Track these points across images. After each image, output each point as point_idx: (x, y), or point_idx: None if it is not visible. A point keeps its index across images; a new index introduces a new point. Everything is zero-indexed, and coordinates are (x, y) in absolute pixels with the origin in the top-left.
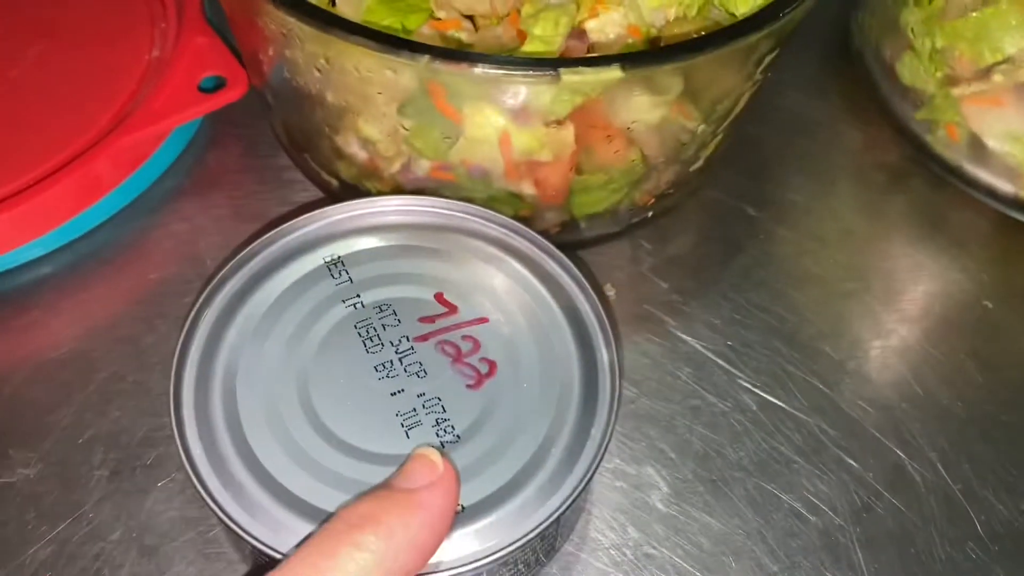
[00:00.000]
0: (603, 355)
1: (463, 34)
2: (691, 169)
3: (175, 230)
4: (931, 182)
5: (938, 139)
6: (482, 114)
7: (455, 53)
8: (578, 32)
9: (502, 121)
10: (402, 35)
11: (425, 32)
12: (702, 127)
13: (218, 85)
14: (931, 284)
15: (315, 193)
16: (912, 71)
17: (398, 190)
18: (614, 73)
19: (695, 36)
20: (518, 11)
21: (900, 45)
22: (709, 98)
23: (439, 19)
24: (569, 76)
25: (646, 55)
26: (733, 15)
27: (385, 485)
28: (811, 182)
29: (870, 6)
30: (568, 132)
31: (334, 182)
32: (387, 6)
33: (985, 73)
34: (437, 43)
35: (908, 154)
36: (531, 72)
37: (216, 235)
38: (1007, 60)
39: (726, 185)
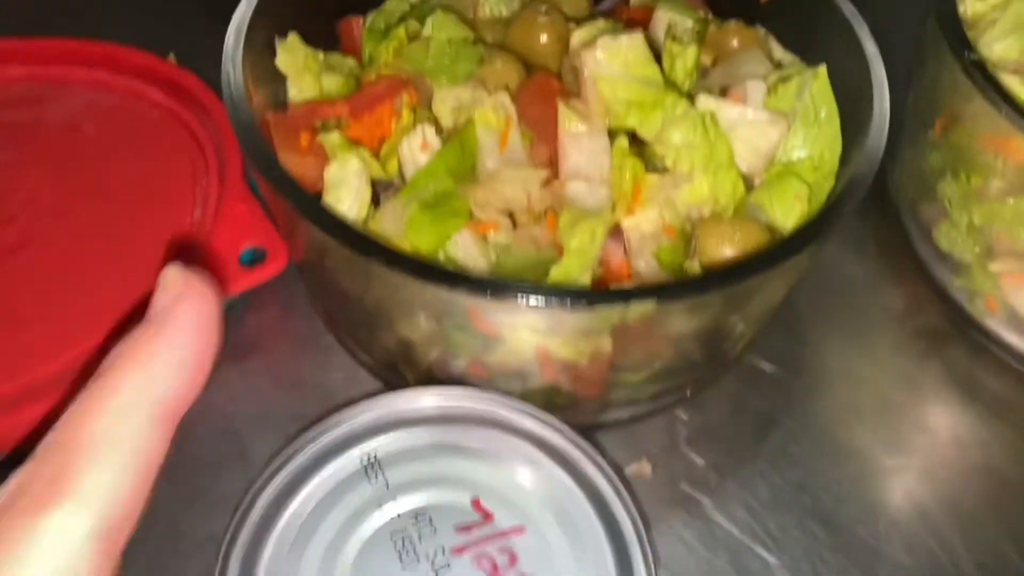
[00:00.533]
0: (641, 573)
1: (501, 235)
2: (730, 357)
3: (212, 400)
4: (970, 348)
5: (977, 308)
6: (520, 331)
7: (491, 285)
8: (614, 230)
9: (540, 336)
10: (444, 260)
11: (466, 236)
12: (741, 327)
13: (257, 257)
14: (969, 460)
15: (351, 361)
16: (949, 240)
17: (432, 377)
18: (648, 306)
19: (738, 261)
20: (555, 212)
21: (937, 212)
22: (749, 306)
23: (479, 220)
24: (604, 309)
25: (683, 288)
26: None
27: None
28: (848, 345)
29: (907, 167)
30: (605, 341)
31: (369, 360)
32: (429, 213)
33: None
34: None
35: (947, 314)
36: (566, 304)
37: (253, 405)
38: None
39: (762, 349)
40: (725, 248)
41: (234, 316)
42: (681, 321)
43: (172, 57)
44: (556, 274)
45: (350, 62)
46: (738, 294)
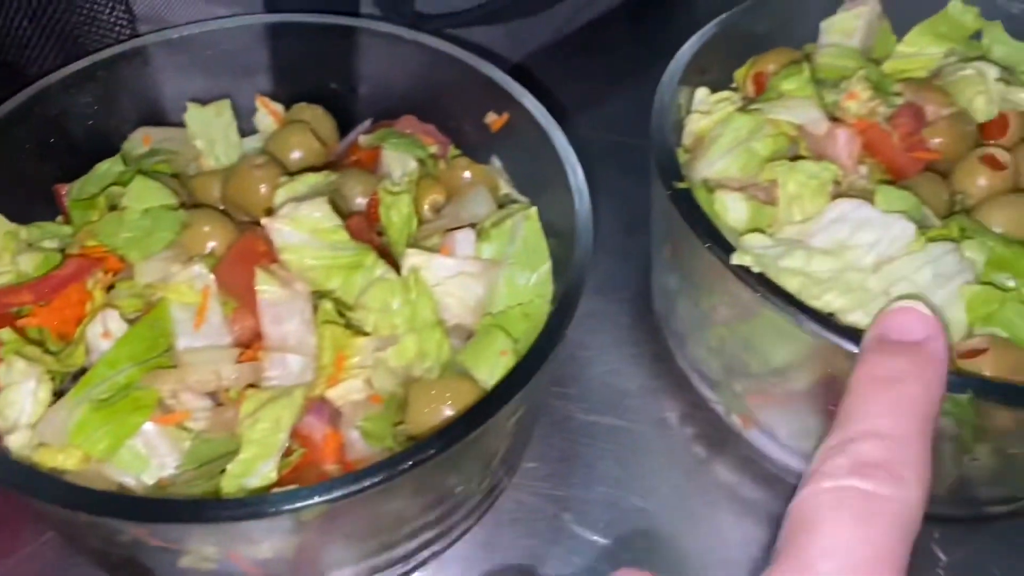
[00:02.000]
0: None
1: (194, 422)
2: (474, 502)
3: None
4: (740, 460)
5: (734, 422)
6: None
7: (140, 509)
8: (318, 403)
9: (221, 546)
10: (127, 458)
11: (152, 430)
12: (463, 487)
13: None
14: None
15: None
16: (695, 358)
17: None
18: (321, 508)
19: (422, 442)
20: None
21: (684, 329)
22: (463, 465)
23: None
24: (266, 520)
25: (356, 483)
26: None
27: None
28: (622, 470)
29: (656, 283)
30: (303, 537)
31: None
32: (103, 413)
33: (760, 377)
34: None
35: (715, 424)
36: (218, 522)
37: None
38: (775, 372)
39: (531, 483)
40: (437, 409)
41: None
42: (384, 503)
43: None
44: (235, 469)
45: (66, 231)
46: (436, 467)
